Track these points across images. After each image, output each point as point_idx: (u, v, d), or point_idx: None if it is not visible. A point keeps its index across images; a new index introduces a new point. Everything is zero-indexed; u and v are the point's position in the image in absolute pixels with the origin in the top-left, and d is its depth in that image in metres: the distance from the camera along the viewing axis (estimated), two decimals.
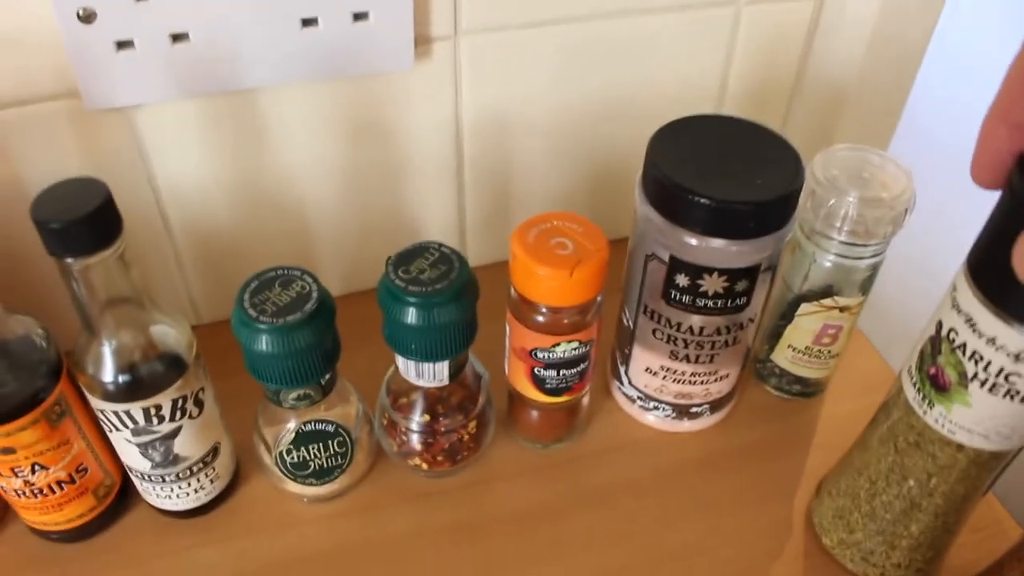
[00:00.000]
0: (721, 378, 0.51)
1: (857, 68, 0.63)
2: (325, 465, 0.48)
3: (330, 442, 0.47)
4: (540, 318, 0.46)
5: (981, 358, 0.36)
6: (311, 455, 0.47)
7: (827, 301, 0.50)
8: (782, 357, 0.55)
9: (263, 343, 0.41)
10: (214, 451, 0.47)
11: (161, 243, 0.55)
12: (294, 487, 0.49)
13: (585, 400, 0.53)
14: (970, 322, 0.35)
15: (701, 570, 0.48)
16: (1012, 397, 0.36)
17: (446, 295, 0.42)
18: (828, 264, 0.49)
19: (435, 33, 0.51)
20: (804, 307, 0.51)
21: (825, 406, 0.57)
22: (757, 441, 0.55)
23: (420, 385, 0.47)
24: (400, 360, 0.46)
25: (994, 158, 0.31)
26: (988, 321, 0.34)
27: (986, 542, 0.49)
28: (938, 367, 0.38)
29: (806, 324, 0.52)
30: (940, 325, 0.37)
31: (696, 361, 0.50)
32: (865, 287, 0.50)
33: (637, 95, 0.58)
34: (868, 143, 0.50)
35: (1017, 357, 0.34)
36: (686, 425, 0.54)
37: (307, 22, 0.47)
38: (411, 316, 0.43)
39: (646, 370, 0.51)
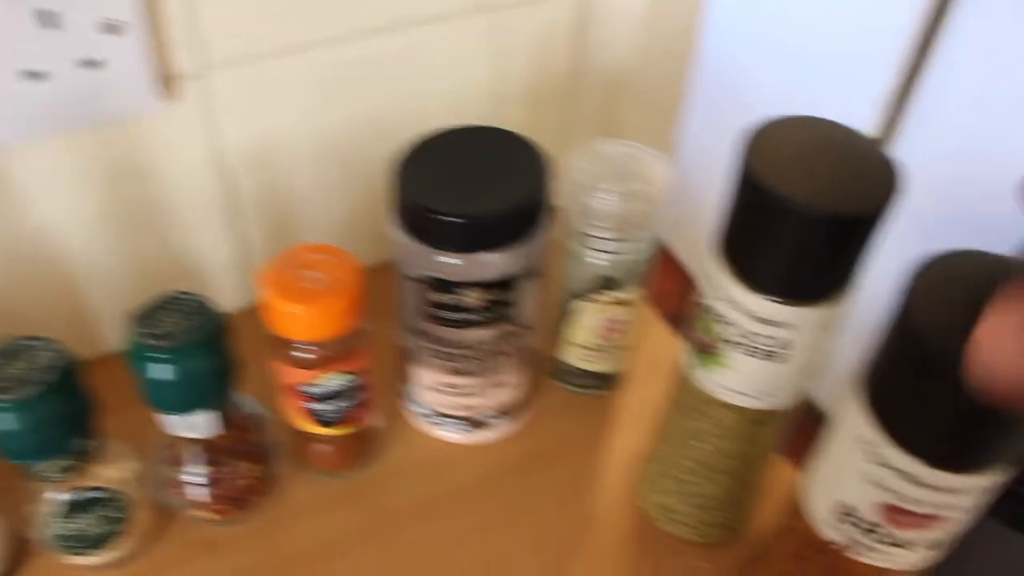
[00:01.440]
0: (505, 386, 0.51)
1: (634, 59, 0.63)
2: (102, 532, 0.46)
3: (105, 508, 0.45)
4: (299, 354, 0.44)
5: (730, 321, 0.38)
6: (85, 525, 0.45)
7: (603, 297, 0.50)
8: (573, 357, 0.55)
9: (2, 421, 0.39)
10: None
11: None
12: (76, 559, 0.46)
13: (376, 426, 0.52)
14: (716, 286, 0.38)
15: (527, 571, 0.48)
16: (764, 357, 0.38)
17: (192, 346, 0.41)
18: (599, 261, 0.49)
19: (184, 71, 0.48)
20: (582, 305, 0.51)
21: (627, 391, 0.58)
22: (559, 439, 0.55)
23: (188, 436, 0.45)
24: (162, 416, 0.44)
25: None
26: (730, 285, 0.37)
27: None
28: (700, 333, 0.40)
29: (588, 322, 0.52)
30: (700, 293, 0.39)
31: (477, 375, 0.49)
32: (641, 279, 0.51)
33: (406, 113, 0.57)
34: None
35: (757, 319, 0.36)
36: (483, 435, 0.54)
37: (34, 75, 0.45)
38: (159, 372, 0.41)
39: (429, 388, 0.51)
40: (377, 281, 0.47)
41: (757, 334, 0.37)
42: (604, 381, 0.57)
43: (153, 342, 0.40)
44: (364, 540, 0.50)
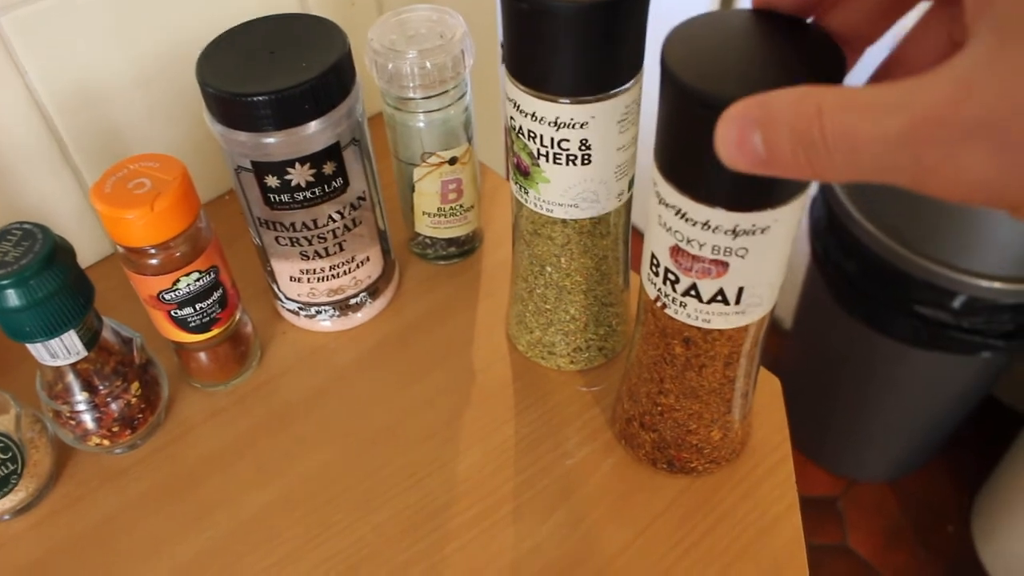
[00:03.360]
0: (362, 263, 0.53)
1: None
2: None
3: None
4: (151, 260, 0.46)
5: (534, 135, 0.40)
6: None
7: (432, 159, 0.53)
8: (424, 226, 0.57)
9: None
10: None
11: None
12: None
13: (247, 329, 0.54)
14: (515, 104, 0.40)
15: (409, 437, 0.51)
16: (572, 162, 0.41)
17: (35, 266, 0.42)
18: (420, 124, 0.52)
19: None
20: (416, 172, 0.54)
21: (487, 254, 0.60)
22: (431, 308, 0.57)
23: (59, 365, 0.46)
24: (29, 348, 0.46)
25: None
26: (524, 98, 0.39)
27: None
28: (516, 155, 0.42)
29: (426, 188, 0.54)
30: (506, 117, 0.42)
31: (328, 255, 0.51)
32: (467, 135, 0.53)
33: (213, 22, 0.58)
34: None
35: (557, 124, 0.39)
36: (356, 318, 0.56)
37: None
38: (10, 299, 0.42)
39: (290, 279, 0.53)
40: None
41: (560, 140, 0.40)
42: (463, 246, 0.59)
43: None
44: (262, 436, 0.52)
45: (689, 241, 0.35)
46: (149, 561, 0.47)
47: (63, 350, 0.46)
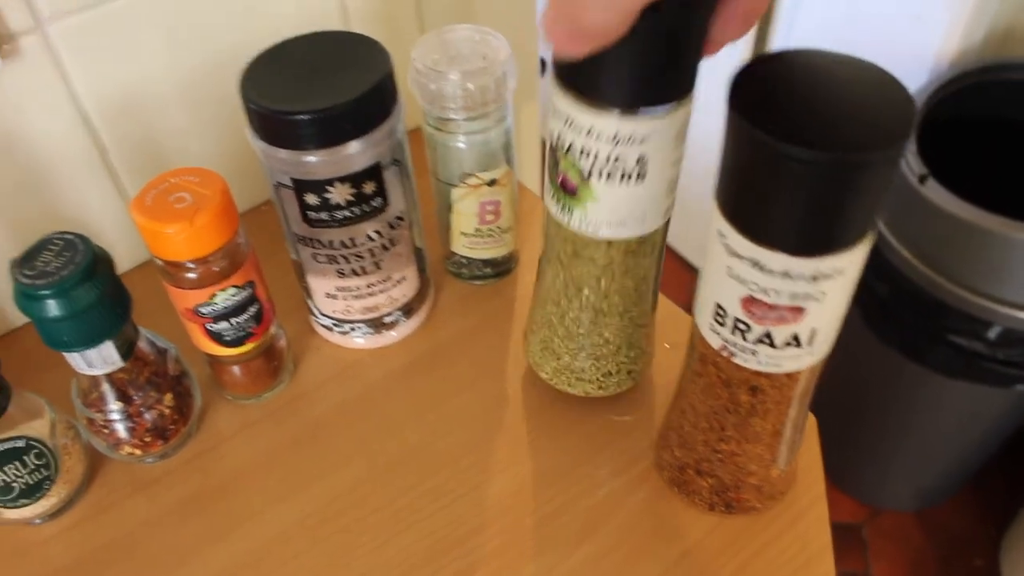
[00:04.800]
0: (398, 282, 0.53)
1: None
2: (30, 482, 0.47)
3: (26, 458, 0.47)
4: (189, 275, 0.46)
5: (587, 152, 0.39)
6: (10, 476, 0.47)
7: (472, 180, 0.53)
8: (460, 246, 0.57)
9: None
10: None
11: None
12: (12, 514, 0.48)
13: (281, 343, 0.54)
14: (567, 120, 0.38)
15: (438, 458, 0.51)
16: (626, 180, 0.39)
17: (76, 277, 0.42)
18: (461, 145, 0.52)
19: (15, 29, 0.50)
20: (455, 192, 0.54)
21: (523, 275, 0.60)
22: (465, 329, 0.57)
23: (96, 374, 0.47)
24: (66, 356, 0.46)
25: None
26: (583, 115, 0.37)
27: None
28: (562, 173, 0.41)
29: (465, 208, 0.54)
30: (551, 135, 0.40)
31: (365, 273, 0.51)
32: (507, 157, 0.53)
33: (259, 38, 0.58)
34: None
35: (615, 140, 0.37)
36: (391, 336, 0.56)
37: None
38: (50, 309, 0.42)
39: (326, 296, 0.53)
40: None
41: (615, 156, 0.38)
42: (497, 267, 0.59)
43: (35, 281, 0.42)
44: (292, 451, 0.52)
45: (765, 291, 0.34)
46: (175, 572, 0.47)
47: (100, 360, 0.46)
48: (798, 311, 0.35)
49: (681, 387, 0.44)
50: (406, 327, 0.56)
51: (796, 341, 0.36)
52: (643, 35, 0.34)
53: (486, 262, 0.58)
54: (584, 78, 0.37)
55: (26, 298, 0.42)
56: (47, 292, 0.42)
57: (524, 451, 0.50)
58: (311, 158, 0.45)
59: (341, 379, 0.55)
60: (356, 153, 0.46)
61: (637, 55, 0.35)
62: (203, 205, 0.44)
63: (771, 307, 0.35)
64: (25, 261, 0.43)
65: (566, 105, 0.38)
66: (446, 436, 0.52)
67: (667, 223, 0.45)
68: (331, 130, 0.45)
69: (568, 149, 0.40)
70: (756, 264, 0.34)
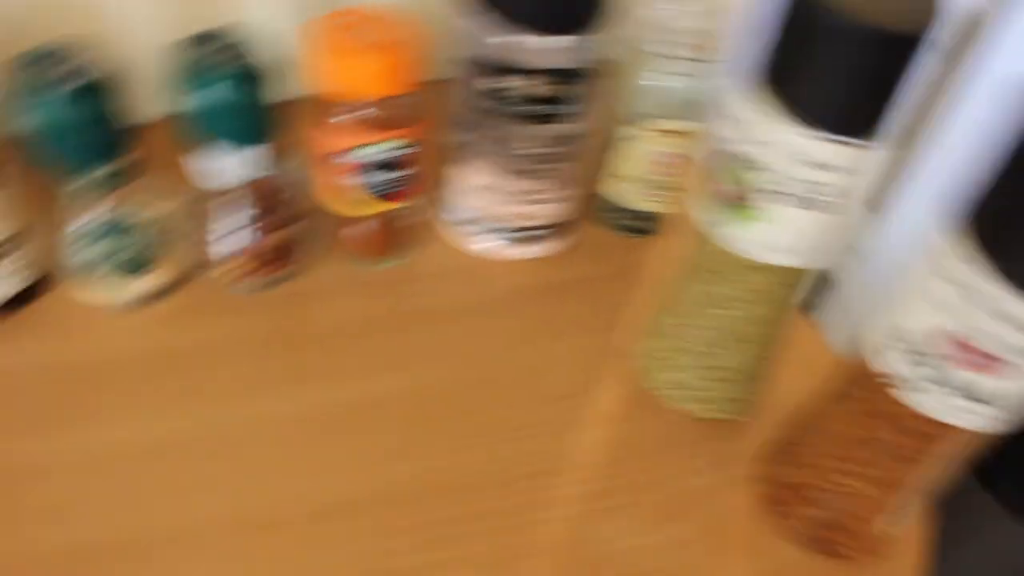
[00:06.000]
0: (550, 199, 0.50)
1: None
2: (135, 258, 0.46)
3: (144, 229, 0.45)
4: (356, 114, 0.44)
5: (779, 171, 0.34)
6: (120, 246, 0.45)
7: (660, 126, 0.49)
8: (618, 190, 0.54)
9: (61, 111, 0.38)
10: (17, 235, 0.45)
11: None
12: (103, 288, 0.47)
13: (414, 218, 0.51)
14: (763, 134, 0.34)
15: (518, 395, 0.48)
16: (811, 207, 0.35)
17: (248, 70, 0.41)
18: (659, 83, 0.48)
19: None
20: (635, 133, 0.50)
21: (671, 240, 0.57)
22: (591, 275, 0.54)
23: (238, 176, 0.44)
24: (213, 154, 0.44)
25: None
26: (787, 132, 0.33)
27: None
28: (726, 184, 0.37)
29: (639, 152, 0.51)
30: (725, 141, 0.36)
31: (528, 177, 0.48)
32: (699, 113, 0.50)
33: None
34: None
35: (820, 165, 0.33)
36: (518, 251, 0.53)
37: None
38: (219, 93, 0.40)
39: (478, 189, 0.50)
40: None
41: (811, 181, 0.34)
42: (647, 223, 0.55)
43: (211, 63, 0.40)
44: (381, 329, 0.49)
45: (987, 335, 0.30)
46: (232, 401, 0.46)
47: (250, 161, 0.44)
48: (1002, 363, 0.31)
49: (818, 405, 0.41)
50: (538, 248, 0.53)
51: (982, 396, 0.32)
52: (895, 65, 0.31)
53: (637, 214, 0.55)
54: (813, 95, 0.32)
55: (199, 80, 0.40)
56: (227, 74, 0.40)
57: (618, 412, 0.47)
58: (517, 40, 0.42)
59: (457, 279, 0.53)
60: (561, 49, 0.43)
61: (880, 83, 0.31)
62: (392, 45, 0.42)
63: (985, 355, 0.31)
64: (197, 43, 0.41)
65: (767, 117, 0.33)
66: (544, 373, 0.49)
67: None
68: (546, 17, 0.42)
69: (743, 157, 0.35)
70: (997, 311, 0.30)
